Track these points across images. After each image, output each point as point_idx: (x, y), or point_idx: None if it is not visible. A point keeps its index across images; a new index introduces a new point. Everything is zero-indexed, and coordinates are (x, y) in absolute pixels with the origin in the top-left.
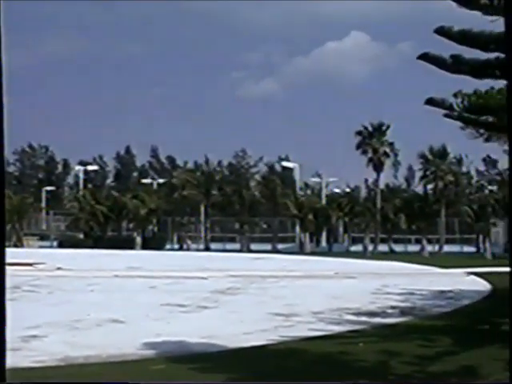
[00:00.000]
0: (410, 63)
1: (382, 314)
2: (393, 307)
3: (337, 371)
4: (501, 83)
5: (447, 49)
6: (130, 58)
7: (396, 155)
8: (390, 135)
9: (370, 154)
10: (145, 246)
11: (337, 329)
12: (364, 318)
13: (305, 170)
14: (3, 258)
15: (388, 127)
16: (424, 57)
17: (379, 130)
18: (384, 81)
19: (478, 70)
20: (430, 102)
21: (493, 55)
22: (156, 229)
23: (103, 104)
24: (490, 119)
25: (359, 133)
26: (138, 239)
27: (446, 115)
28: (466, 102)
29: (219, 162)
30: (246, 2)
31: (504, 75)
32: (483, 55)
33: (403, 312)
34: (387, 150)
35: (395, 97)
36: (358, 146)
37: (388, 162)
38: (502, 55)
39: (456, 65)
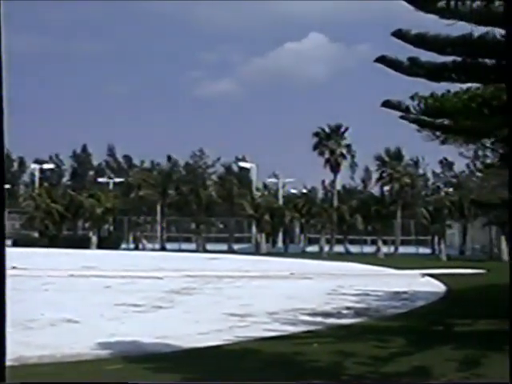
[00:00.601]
0: (368, 65)
1: (337, 314)
2: (348, 308)
3: (291, 371)
4: (457, 86)
5: (408, 51)
6: (88, 56)
7: (353, 156)
8: (347, 136)
9: (326, 155)
10: (100, 246)
11: (292, 329)
12: (319, 319)
13: (262, 170)
14: (3, 257)
15: (346, 129)
16: (381, 59)
17: (336, 132)
18: (342, 82)
19: (434, 72)
20: (387, 104)
21: (449, 58)
22: (112, 228)
23: (60, 102)
24: (446, 122)
25: (316, 134)
26: (94, 238)
27: (402, 117)
28: (422, 105)
29: (175, 162)
30: (205, 1)
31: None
32: (441, 58)
33: (358, 313)
34: (344, 151)
35: (353, 98)
36: (315, 147)
37: (345, 164)
38: (459, 58)
39: (412, 68)
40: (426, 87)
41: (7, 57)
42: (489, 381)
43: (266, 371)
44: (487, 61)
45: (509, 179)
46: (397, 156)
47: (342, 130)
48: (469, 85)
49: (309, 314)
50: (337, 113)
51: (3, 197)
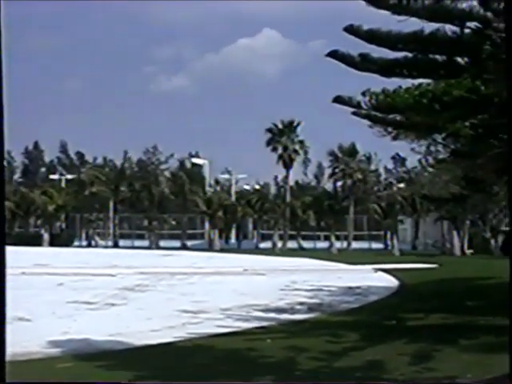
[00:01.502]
0: (322, 61)
1: (290, 310)
2: (301, 303)
3: (243, 368)
4: (408, 82)
5: (362, 48)
6: (40, 51)
7: (306, 152)
8: (300, 132)
9: (279, 151)
10: (53, 243)
11: (245, 325)
12: (272, 315)
13: (215, 166)
14: (3, 258)
15: (298, 124)
16: (333, 54)
17: (289, 128)
18: (295, 78)
19: (385, 68)
20: (338, 99)
21: (401, 54)
22: (64, 225)
23: (11, 97)
24: (398, 118)
25: (269, 130)
26: (46, 236)
27: (353, 113)
28: (373, 101)
29: (129, 158)
30: None
31: (421, 74)
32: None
33: (311, 308)
34: (297, 147)
35: (307, 94)
36: (268, 143)
37: (298, 159)
38: (410, 54)
39: (364, 63)
40: (384, 84)
41: None
42: (490, 380)
43: (218, 367)
44: (438, 57)
45: (508, 179)
46: (351, 152)
47: (295, 125)
48: (420, 80)
49: (262, 310)
50: (290, 108)
51: (3, 197)
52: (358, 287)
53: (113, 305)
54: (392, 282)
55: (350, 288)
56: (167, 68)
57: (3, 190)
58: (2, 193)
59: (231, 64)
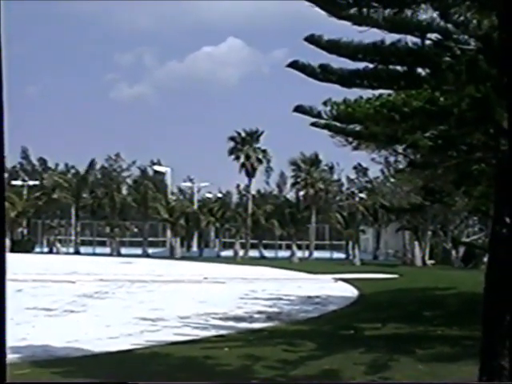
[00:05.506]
0: (285, 70)
1: (248, 318)
2: (260, 312)
3: (199, 375)
4: (369, 93)
5: (325, 58)
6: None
7: (269, 161)
8: (263, 141)
9: (242, 160)
10: (14, 249)
11: (203, 334)
12: (230, 323)
13: (177, 174)
14: (3, 258)
15: (261, 133)
16: (293, 65)
17: (252, 136)
18: (258, 87)
19: (346, 79)
20: (299, 109)
21: (361, 65)
22: (25, 231)
23: None
24: (358, 128)
25: (232, 138)
26: (7, 242)
27: (313, 123)
28: (334, 111)
29: (92, 165)
30: (120, 2)
31: (382, 85)
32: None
33: (270, 317)
34: (260, 156)
35: (270, 103)
36: (231, 152)
37: (260, 168)
38: (370, 65)
39: (324, 73)
40: (346, 94)
41: None
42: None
43: (174, 375)
44: (398, 68)
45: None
46: (313, 161)
47: (258, 134)
48: (382, 91)
49: (220, 319)
50: (254, 117)
51: (3, 197)
52: (318, 296)
53: (72, 311)
54: (351, 291)
55: (310, 297)
56: (130, 75)
57: (3, 191)
58: (2, 193)
59: (194, 72)
